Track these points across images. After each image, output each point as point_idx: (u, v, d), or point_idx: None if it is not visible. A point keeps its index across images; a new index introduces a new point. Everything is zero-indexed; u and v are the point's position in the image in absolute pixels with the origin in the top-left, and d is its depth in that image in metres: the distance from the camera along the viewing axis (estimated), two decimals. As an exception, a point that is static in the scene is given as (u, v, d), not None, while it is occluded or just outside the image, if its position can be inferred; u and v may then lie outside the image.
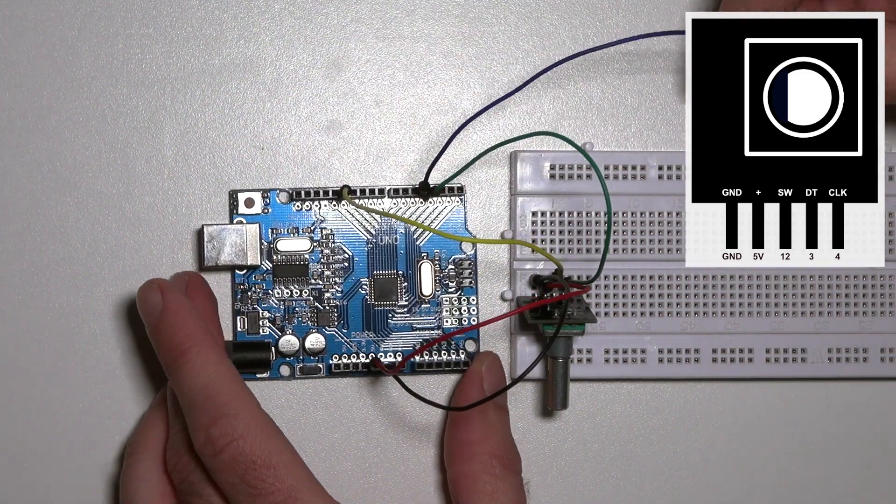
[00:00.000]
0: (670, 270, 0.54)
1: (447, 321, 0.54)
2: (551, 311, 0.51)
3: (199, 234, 0.53)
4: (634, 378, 0.55)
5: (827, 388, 0.56)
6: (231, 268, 0.53)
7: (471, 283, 0.54)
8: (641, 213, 0.54)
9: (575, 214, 0.54)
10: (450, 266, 0.54)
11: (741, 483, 0.56)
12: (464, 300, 0.54)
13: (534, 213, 0.54)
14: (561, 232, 0.54)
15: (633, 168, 0.54)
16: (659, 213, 0.54)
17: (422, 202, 0.54)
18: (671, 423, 0.56)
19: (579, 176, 0.54)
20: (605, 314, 0.54)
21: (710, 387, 0.56)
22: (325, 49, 0.54)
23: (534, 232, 0.54)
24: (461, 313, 0.54)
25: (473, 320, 0.54)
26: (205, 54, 0.54)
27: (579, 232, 0.54)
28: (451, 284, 0.54)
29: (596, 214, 0.54)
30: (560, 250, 0.54)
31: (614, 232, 0.53)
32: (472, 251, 0.54)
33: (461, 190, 0.54)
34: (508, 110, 0.55)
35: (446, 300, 0.54)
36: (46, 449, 0.54)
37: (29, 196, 0.54)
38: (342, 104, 0.54)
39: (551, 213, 0.54)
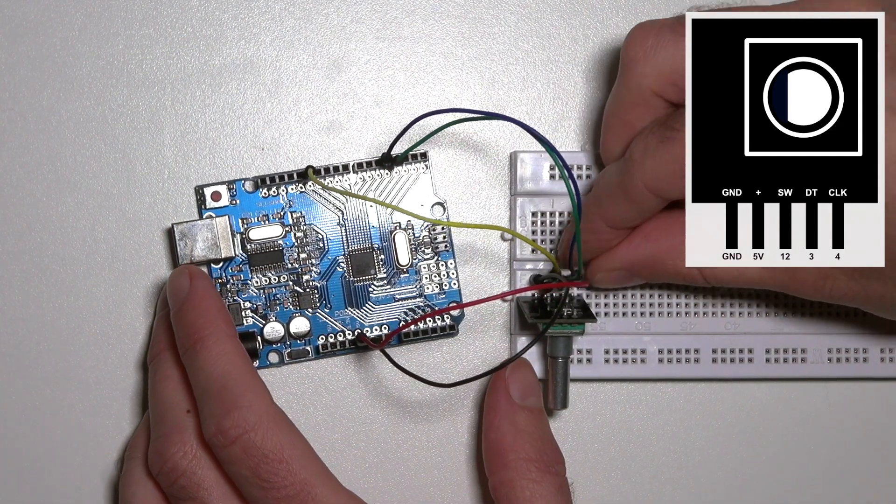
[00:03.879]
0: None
1: (427, 288, 0.54)
2: (551, 310, 0.51)
3: (170, 233, 0.53)
4: (634, 378, 0.55)
5: (827, 388, 0.56)
6: (206, 262, 0.53)
7: (446, 246, 0.54)
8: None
9: (575, 215, 0.54)
10: (423, 232, 0.54)
11: (741, 483, 0.56)
12: (441, 265, 0.54)
13: (534, 214, 0.54)
14: (561, 232, 0.54)
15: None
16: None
17: (387, 173, 0.54)
18: (671, 423, 0.56)
19: (579, 176, 0.54)
20: (605, 314, 0.54)
21: (710, 387, 0.56)
22: (325, 49, 0.54)
23: (533, 232, 0.54)
24: (440, 278, 0.54)
25: (453, 284, 0.54)
26: (205, 55, 0.54)
27: (579, 232, 0.54)
28: (427, 251, 0.54)
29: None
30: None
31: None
32: (444, 215, 0.54)
33: (424, 156, 0.54)
34: (508, 110, 0.54)
35: (424, 267, 0.54)
36: (46, 451, 0.54)
37: (29, 196, 0.54)
38: (342, 105, 0.55)
39: (551, 214, 0.54)
